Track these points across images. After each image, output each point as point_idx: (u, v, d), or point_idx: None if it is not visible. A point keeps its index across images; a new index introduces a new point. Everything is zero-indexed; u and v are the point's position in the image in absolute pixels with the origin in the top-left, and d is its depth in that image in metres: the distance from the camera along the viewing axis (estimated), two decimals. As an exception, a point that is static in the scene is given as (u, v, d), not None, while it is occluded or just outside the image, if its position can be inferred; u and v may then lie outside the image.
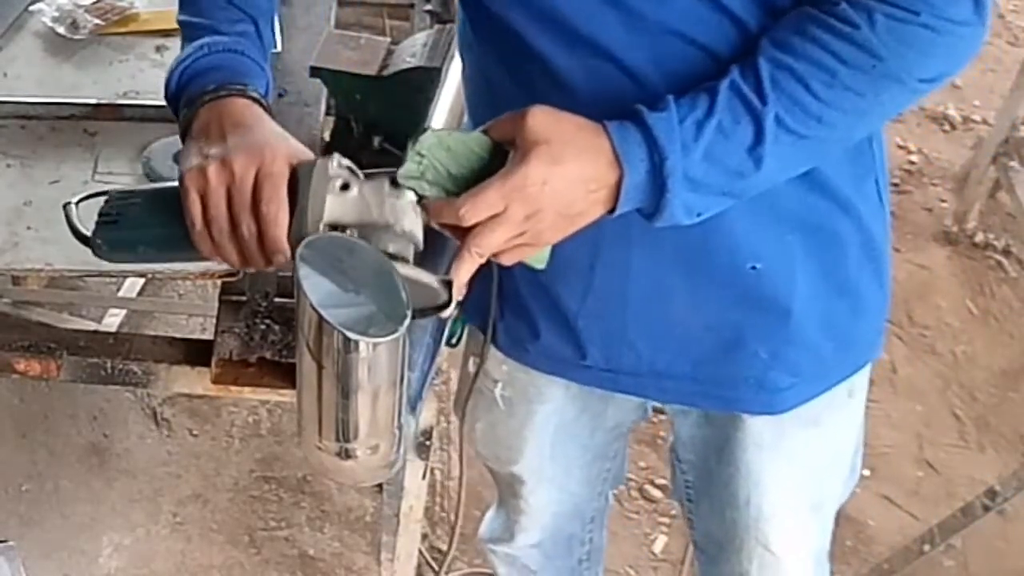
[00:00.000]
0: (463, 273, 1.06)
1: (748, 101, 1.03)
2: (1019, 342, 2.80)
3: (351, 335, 0.97)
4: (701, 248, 1.23)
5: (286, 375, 1.47)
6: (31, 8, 1.96)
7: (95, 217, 1.14)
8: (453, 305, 1.06)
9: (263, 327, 1.49)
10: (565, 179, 1.03)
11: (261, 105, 1.13)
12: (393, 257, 1.04)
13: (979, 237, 3.02)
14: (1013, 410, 2.66)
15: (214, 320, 1.52)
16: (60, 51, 1.91)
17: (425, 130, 1.07)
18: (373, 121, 1.72)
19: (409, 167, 1.06)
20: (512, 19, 1.13)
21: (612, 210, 1.06)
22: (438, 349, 1.44)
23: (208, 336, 1.54)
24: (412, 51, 1.69)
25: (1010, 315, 2.87)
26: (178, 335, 1.62)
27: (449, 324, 1.50)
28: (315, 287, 0.99)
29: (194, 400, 2.52)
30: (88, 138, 1.75)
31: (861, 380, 1.44)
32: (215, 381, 1.51)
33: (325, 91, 1.80)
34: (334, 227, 1.04)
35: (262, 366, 1.49)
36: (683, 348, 1.33)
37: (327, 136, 1.79)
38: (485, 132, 1.08)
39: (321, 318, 0.98)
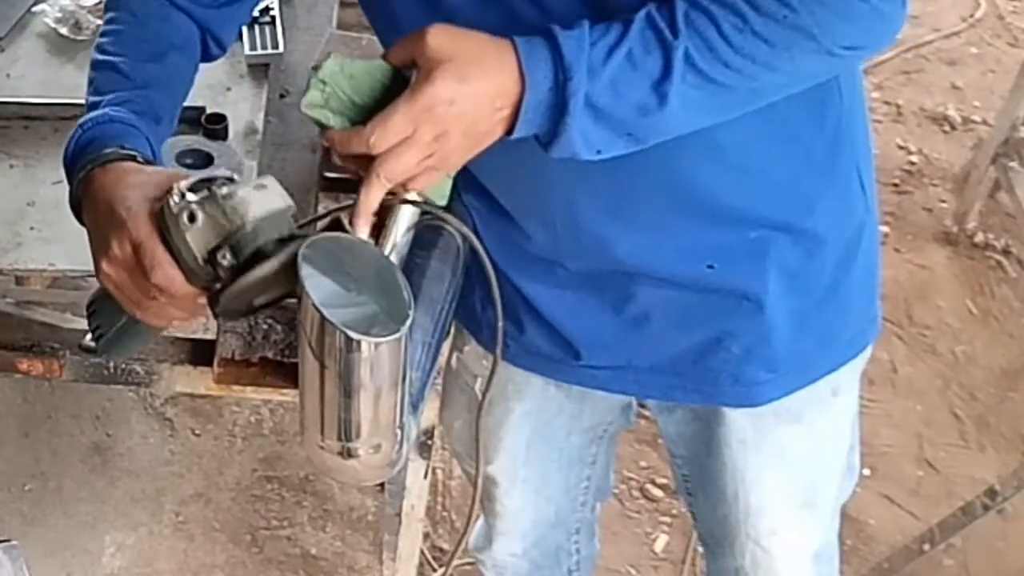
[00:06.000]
0: (371, 201, 1.04)
1: (660, 33, 1.01)
2: (1019, 342, 2.81)
3: (353, 335, 0.98)
4: (652, 247, 1.24)
5: (288, 375, 1.48)
6: (34, 9, 1.97)
7: None
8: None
9: (265, 327, 1.50)
10: (472, 97, 1.01)
11: (132, 158, 1.12)
12: (281, 241, 1.03)
13: (979, 237, 3.02)
14: (1013, 410, 2.66)
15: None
16: (63, 52, 1.92)
17: (327, 57, 1.06)
18: (375, 122, 1.72)
19: (312, 95, 1.05)
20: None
21: (511, 131, 1.04)
22: (440, 348, 1.44)
23: (210, 336, 1.55)
24: (413, 52, 1.69)
25: (1010, 315, 2.87)
26: (180, 335, 1.62)
27: None
28: (317, 287, 1.00)
29: (196, 400, 2.52)
30: (91, 139, 1.76)
31: (847, 379, 1.43)
32: (217, 381, 1.52)
33: (327, 92, 1.80)
34: (211, 253, 1.03)
35: (264, 366, 1.49)
36: (658, 344, 1.34)
37: (329, 137, 1.80)
38: (386, 58, 1.06)
39: (323, 318, 0.98)
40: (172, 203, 1.03)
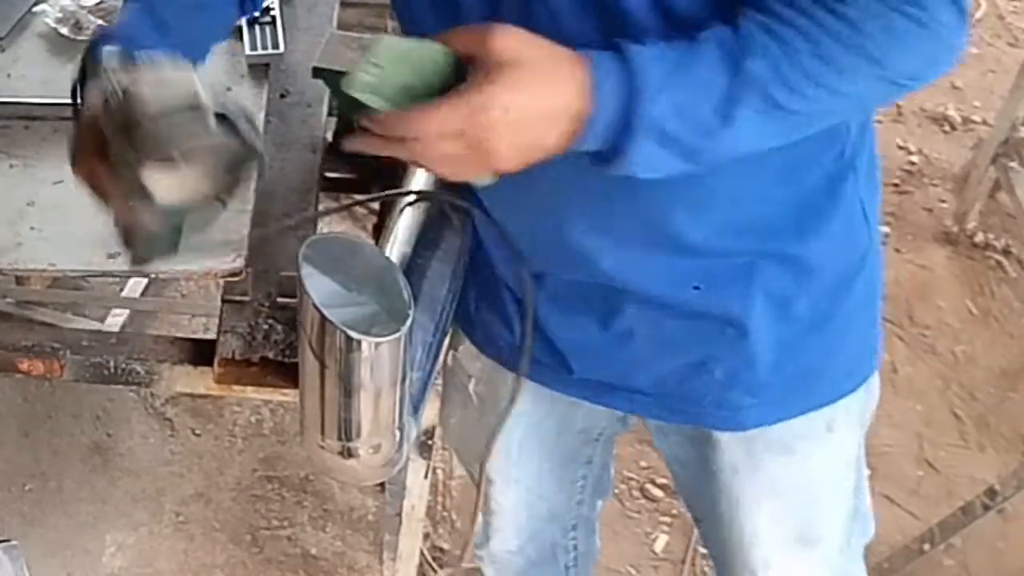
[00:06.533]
0: (382, 146, 1.00)
1: (727, 56, 0.99)
2: (1019, 342, 2.81)
3: (353, 335, 0.98)
4: (638, 265, 1.22)
5: (289, 375, 1.47)
6: (34, 9, 1.97)
7: None
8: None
9: (266, 327, 1.50)
10: (531, 109, 0.97)
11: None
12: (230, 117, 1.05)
13: (979, 237, 3.02)
14: (1013, 410, 2.66)
15: (217, 320, 1.53)
16: (63, 52, 1.91)
17: (379, 38, 1.01)
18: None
19: (363, 77, 0.99)
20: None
21: (570, 145, 1.00)
22: (441, 349, 1.44)
23: (211, 336, 1.55)
24: (414, 52, 1.69)
25: (1010, 315, 2.87)
26: (181, 335, 1.62)
27: None
28: (318, 287, 1.00)
29: (197, 400, 2.53)
30: (91, 139, 1.76)
31: (844, 415, 1.40)
32: (218, 381, 1.52)
33: (327, 92, 1.80)
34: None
35: (265, 366, 1.49)
36: (643, 363, 1.33)
37: (329, 136, 1.80)
38: (445, 43, 1.01)
39: (324, 318, 0.98)
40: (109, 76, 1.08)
